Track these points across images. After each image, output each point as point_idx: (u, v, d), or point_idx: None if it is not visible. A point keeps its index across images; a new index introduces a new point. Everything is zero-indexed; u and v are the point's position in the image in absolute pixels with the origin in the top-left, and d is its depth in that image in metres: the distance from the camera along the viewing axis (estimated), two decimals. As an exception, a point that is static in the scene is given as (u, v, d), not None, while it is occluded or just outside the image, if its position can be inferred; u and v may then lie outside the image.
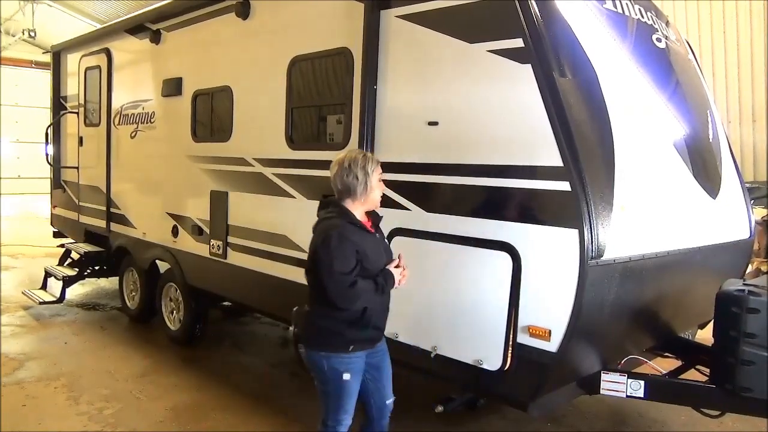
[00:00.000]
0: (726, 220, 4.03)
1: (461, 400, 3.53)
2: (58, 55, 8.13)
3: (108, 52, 6.77)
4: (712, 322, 3.42)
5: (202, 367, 5.24)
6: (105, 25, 7.51)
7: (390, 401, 3.08)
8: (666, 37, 4.06)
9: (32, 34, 18.59)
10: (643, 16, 3.89)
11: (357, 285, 2.69)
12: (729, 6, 10.80)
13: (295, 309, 3.00)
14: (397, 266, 2.87)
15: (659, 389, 3.43)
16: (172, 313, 5.90)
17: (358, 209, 2.86)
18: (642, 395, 3.40)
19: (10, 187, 21.44)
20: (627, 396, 3.41)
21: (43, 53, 9.96)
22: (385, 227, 3.63)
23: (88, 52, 7.23)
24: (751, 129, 11.80)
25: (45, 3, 18.87)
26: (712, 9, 11.26)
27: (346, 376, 2.83)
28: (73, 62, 7.67)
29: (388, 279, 2.80)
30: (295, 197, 4.27)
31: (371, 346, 2.95)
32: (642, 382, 3.38)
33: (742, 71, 11.37)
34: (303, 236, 3.78)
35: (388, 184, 3.66)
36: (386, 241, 3.08)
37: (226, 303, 5.98)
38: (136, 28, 6.27)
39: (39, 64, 21.19)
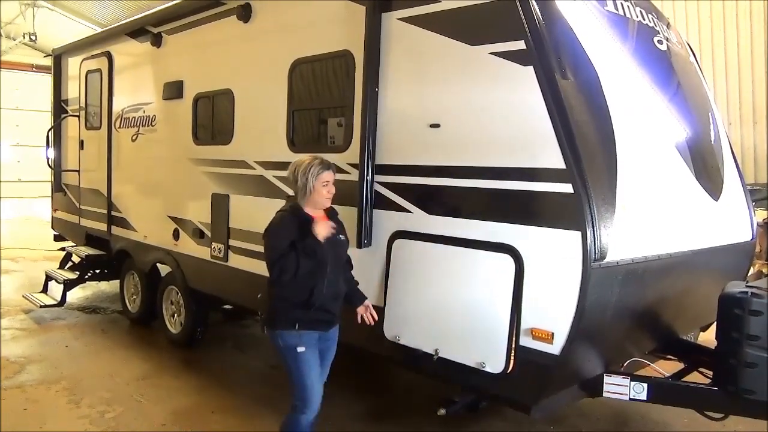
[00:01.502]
0: (728, 222, 4.03)
1: (463, 402, 3.51)
2: (59, 58, 8.13)
3: (109, 56, 6.78)
4: (714, 324, 3.42)
5: (203, 370, 5.23)
6: (106, 28, 7.52)
7: (324, 380, 3.37)
8: (667, 39, 4.06)
9: (33, 37, 18.60)
10: (644, 18, 3.89)
11: (279, 261, 3.04)
12: (729, 6, 10.78)
13: (259, 296, 3.30)
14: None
15: (662, 392, 3.42)
16: (173, 316, 5.89)
17: (309, 207, 3.21)
18: (645, 398, 3.39)
19: (11, 191, 21.41)
20: (630, 399, 3.40)
21: (45, 57, 10.00)
22: (387, 230, 3.67)
23: (89, 56, 7.24)
24: (752, 131, 11.78)
25: (45, 7, 18.88)
26: (712, 10, 11.25)
27: (300, 349, 3.14)
28: (74, 65, 7.68)
29: (308, 242, 3.05)
30: (296, 200, 4.26)
31: (322, 328, 3.24)
32: (645, 385, 3.37)
33: (742, 73, 11.36)
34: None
35: (389, 186, 3.68)
36: (340, 237, 3.28)
37: (226, 306, 5.97)
38: (137, 31, 6.28)
39: (39, 68, 21.19)
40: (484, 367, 3.16)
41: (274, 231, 3.16)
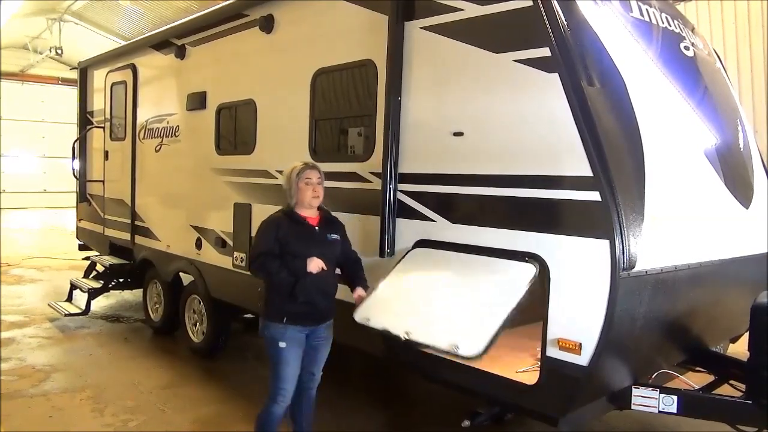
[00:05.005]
0: (759, 230, 3.93)
1: (488, 414, 3.47)
2: (84, 71, 8.29)
3: (133, 68, 6.89)
4: (744, 335, 3.33)
5: (225, 379, 5.24)
6: (131, 41, 7.65)
7: (318, 375, 3.58)
8: (693, 45, 4.00)
9: (59, 51, 18.98)
10: (669, 24, 3.84)
11: (262, 257, 3.29)
12: (754, 7, 10.56)
13: (259, 289, 3.45)
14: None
15: (693, 405, 3.32)
16: (195, 325, 5.92)
17: (300, 208, 3.42)
18: (675, 410, 3.30)
19: (37, 201, 21.90)
20: (659, 411, 3.32)
21: (70, 70, 10.19)
22: (410, 239, 3.64)
23: (114, 68, 7.36)
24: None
25: (71, 21, 19.29)
26: (736, 13, 11.03)
27: (282, 344, 3.31)
28: (99, 78, 7.82)
29: (297, 261, 3.25)
30: (318, 209, 4.27)
31: (309, 323, 3.39)
32: (675, 397, 3.28)
33: (754, 79, 11.07)
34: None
35: (412, 195, 3.66)
36: (330, 236, 3.45)
37: (247, 315, 5.98)
38: (161, 43, 6.37)
39: (65, 81, 21.70)
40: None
41: (263, 228, 3.41)
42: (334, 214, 3.62)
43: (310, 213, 3.45)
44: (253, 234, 4.85)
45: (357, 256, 3.64)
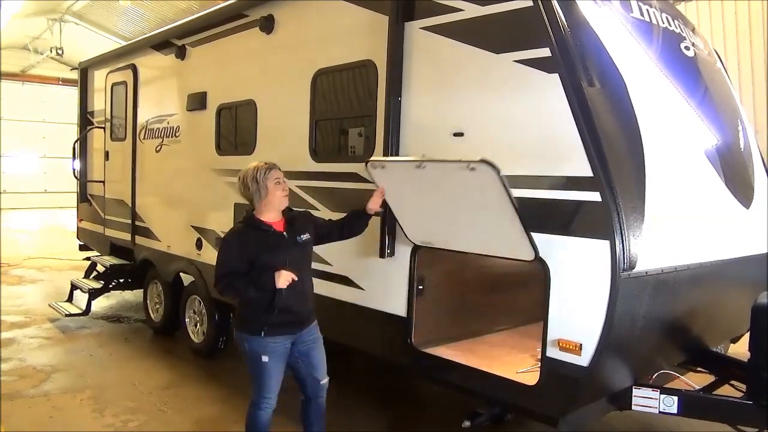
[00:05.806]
0: (760, 230, 3.93)
1: (488, 414, 3.47)
2: (85, 71, 8.29)
3: (134, 68, 6.89)
4: (744, 336, 3.33)
5: (225, 380, 5.24)
6: (131, 41, 7.65)
7: (324, 381, 3.39)
8: (694, 45, 4.00)
9: (60, 52, 19.02)
10: (670, 24, 3.84)
11: (226, 277, 3.11)
12: (755, 8, 10.55)
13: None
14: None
15: (693, 405, 3.32)
16: (196, 325, 5.93)
17: (265, 212, 3.21)
18: (675, 411, 3.30)
19: (38, 202, 21.91)
20: (659, 412, 3.32)
21: (71, 70, 10.17)
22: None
23: (114, 68, 7.36)
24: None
25: (72, 22, 19.31)
26: (737, 13, 11.02)
27: (264, 358, 3.16)
28: (99, 78, 7.82)
29: (264, 276, 3.05)
30: (318, 210, 4.27)
31: (290, 331, 3.23)
32: (675, 398, 3.29)
33: (754, 79, 11.05)
34: (326, 249, 3.77)
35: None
36: (300, 238, 3.26)
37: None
38: (161, 44, 6.37)
39: (66, 81, 21.71)
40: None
41: (225, 245, 3.23)
42: (337, 213, 3.57)
43: (273, 218, 3.23)
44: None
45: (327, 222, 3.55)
